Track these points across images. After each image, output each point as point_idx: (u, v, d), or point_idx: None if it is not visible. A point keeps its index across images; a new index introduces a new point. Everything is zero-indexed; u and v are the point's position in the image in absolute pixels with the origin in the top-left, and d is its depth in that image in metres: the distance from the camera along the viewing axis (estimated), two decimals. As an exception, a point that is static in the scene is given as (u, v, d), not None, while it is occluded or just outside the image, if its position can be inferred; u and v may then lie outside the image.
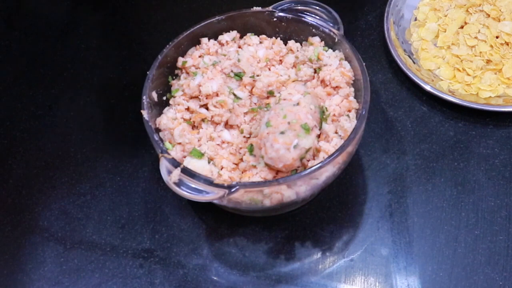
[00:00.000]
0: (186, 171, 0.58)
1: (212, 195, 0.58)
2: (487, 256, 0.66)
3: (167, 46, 0.67)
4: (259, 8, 0.70)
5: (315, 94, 0.67)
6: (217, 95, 0.66)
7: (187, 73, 0.69)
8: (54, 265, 0.68)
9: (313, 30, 0.70)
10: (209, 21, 0.70)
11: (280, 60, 0.70)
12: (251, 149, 0.64)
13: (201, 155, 0.63)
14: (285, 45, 0.71)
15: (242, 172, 0.63)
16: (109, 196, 0.72)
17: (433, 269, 0.66)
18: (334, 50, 0.69)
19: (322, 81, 0.67)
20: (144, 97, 0.64)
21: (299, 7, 0.70)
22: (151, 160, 0.74)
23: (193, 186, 0.58)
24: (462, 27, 0.81)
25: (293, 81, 0.68)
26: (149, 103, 0.64)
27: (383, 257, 0.67)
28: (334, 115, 0.65)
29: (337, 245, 0.68)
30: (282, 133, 0.60)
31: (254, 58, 0.69)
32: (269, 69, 0.69)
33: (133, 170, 0.74)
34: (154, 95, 0.66)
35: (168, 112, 0.66)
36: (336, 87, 0.67)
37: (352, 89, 0.67)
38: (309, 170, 0.59)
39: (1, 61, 0.86)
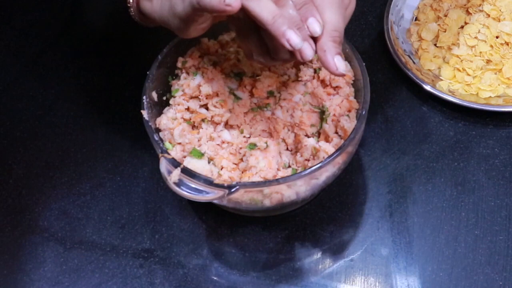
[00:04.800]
0: (186, 171, 0.58)
1: (212, 195, 0.58)
2: (487, 256, 0.66)
3: (167, 46, 0.67)
4: (259, 8, 0.70)
5: (315, 94, 0.67)
6: (217, 95, 0.66)
7: (187, 73, 0.69)
8: (54, 265, 0.68)
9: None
10: (209, 21, 0.69)
11: (280, 60, 0.70)
12: (251, 149, 0.64)
13: (201, 155, 0.63)
14: (285, 45, 0.71)
15: (242, 172, 0.63)
16: (109, 196, 0.72)
17: (433, 269, 0.66)
18: (334, 50, 0.69)
19: (322, 81, 0.67)
20: (144, 97, 0.64)
21: (299, 7, 0.70)
22: (151, 160, 0.74)
23: (193, 186, 0.58)
24: (462, 27, 0.81)
25: (293, 81, 0.68)
26: (149, 103, 0.64)
27: (383, 257, 0.67)
28: (334, 115, 0.65)
29: (337, 245, 0.68)
30: None
31: (254, 58, 0.69)
32: (269, 69, 0.69)
33: (133, 170, 0.74)
34: (154, 95, 0.66)
35: (168, 112, 0.66)
36: (336, 87, 0.67)
37: (352, 89, 0.67)
38: (309, 170, 0.59)
39: (1, 61, 0.86)
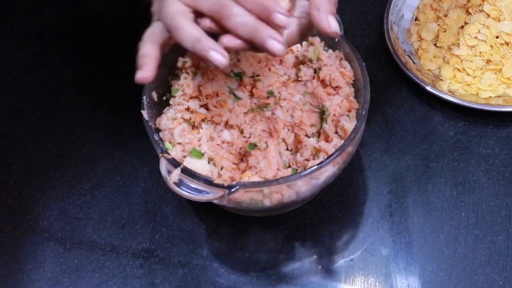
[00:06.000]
0: (186, 171, 0.58)
1: (212, 195, 0.58)
2: (487, 256, 0.66)
3: (167, 46, 0.67)
4: (259, 8, 0.70)
5: (315, 94, 0.67)
6: (217, 95, 0.66)
7: (187, 73, 0.69)
8: (54, 265, 0.68)
9: (313, 30, 0.70)
10: (209, 21, 0.69)
11: (280, 60, 0.70)
12: (251, 149, 0.64)
13: (201, 155, 0.63)
14: (285, 45, 0.71)
15: (242, 172, 0.63)
16: (109, 196, 0.72)
17: (433, 269, 0.66)
18: (334, 50, 0.69)
19: (322, 81, 0.67)
20: (144, 97, 0.64)
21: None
22: (151, 160, 0.74)
23: (193, 186, 0.58)
24: (462, 27, 0.81)
25: (293, 81, 0.68)
26: (149, 103, 0.64)
27: (383, 257, 0.67)
28: (334, 115, 0.65)
29: (337, 245, 0.68)
30: None
31: (254, 58, 0.69)
32: (269, 69, 0.69)
33: (133, 170, 0.74)
34: (154, 95, 0.66)
35: (168, 112, 0.66)
36: (336, 87, 0.67)
37: (352, 89, 0.67)
38: (309, 170, 0.59)
39: (1, 61, 0.86)
